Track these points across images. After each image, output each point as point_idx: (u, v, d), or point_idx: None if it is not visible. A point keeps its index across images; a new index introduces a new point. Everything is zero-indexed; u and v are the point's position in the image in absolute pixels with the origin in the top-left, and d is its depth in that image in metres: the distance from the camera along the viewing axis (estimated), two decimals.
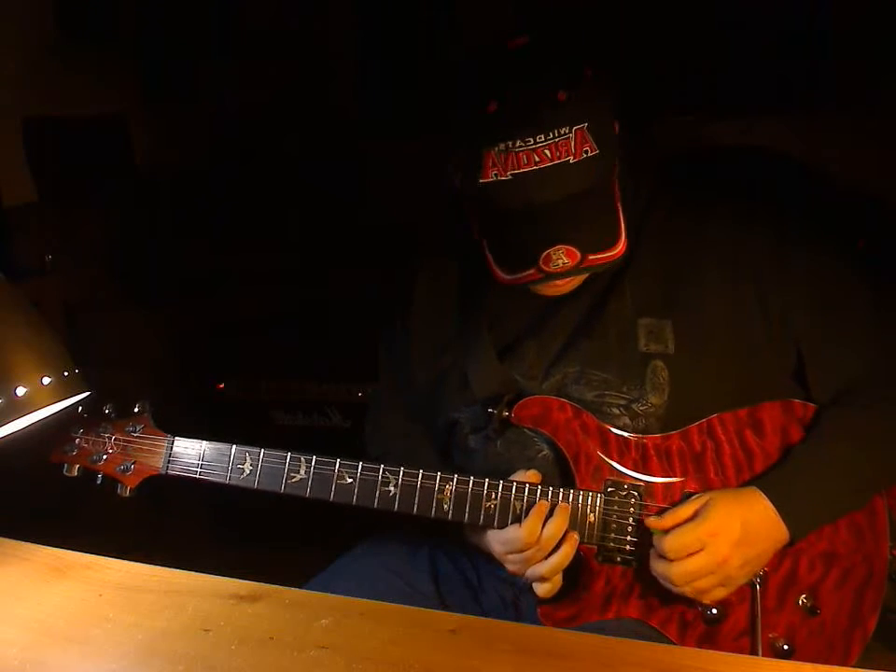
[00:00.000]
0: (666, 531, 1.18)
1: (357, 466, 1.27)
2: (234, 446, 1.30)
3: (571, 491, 1.24)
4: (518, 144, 1.14)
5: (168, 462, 1.32)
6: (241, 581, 1.11)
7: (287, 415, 2.45)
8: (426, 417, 1.45)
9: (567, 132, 1.14)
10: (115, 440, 1.34)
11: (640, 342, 1.26)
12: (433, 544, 1.44)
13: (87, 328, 2.64)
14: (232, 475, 1.30)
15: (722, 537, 1.16)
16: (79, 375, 1.12)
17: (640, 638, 1.02)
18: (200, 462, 1.31)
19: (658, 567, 1.19)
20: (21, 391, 1.05)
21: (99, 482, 1.35)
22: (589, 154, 1.15)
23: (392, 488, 1.26)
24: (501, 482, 1.24)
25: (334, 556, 1.45)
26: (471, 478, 1.25)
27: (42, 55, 2.76)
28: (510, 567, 1.27)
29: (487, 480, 1.25)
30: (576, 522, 1.23)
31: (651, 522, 1.20)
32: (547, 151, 1.14)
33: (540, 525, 1.22)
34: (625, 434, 1.25)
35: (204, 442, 1.32)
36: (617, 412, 1.26)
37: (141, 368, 2.47)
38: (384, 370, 1.54)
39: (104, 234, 2.88)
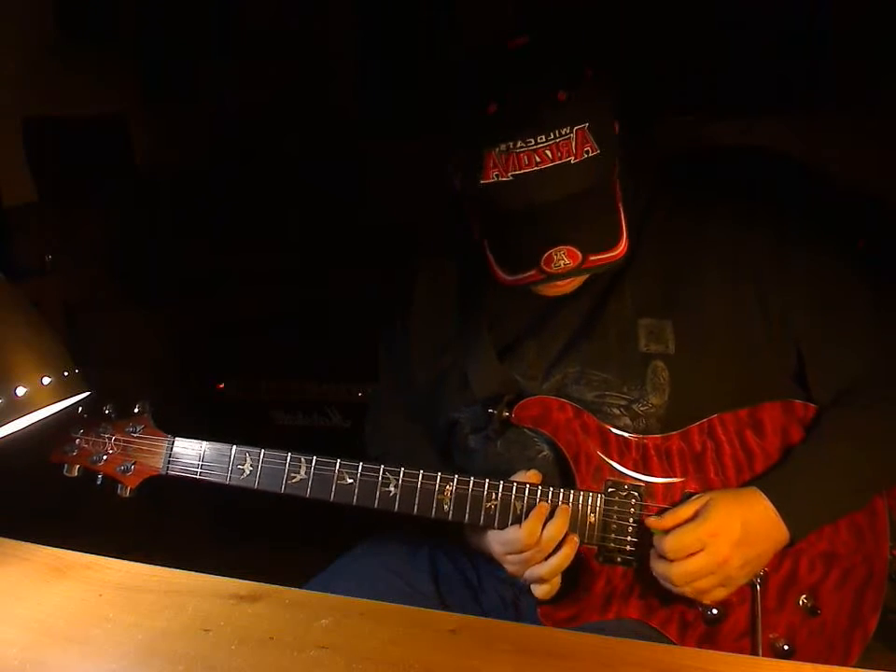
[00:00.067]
0: (667, 531, 1.18)
1: (358, 466, 1.27)
2: (234, 447, 1.30)
3: (572, 491, 1.24)
4: (519, 144, 1.14)
5: (168, 462, 1.32)
6: (241, 580, 1.11)
7: (286, 415, 2.45)
8: (426, 417, 1.45)
9: (567, 132, 1.14)
10: (115, 440, 1.34)
11: (641, 342, 1.26)
12: (433, 544, 1.44)
13: (87, 328, 2.64)
14: (232, 475, 1.30)
15: (723, 537, 1.16)
16: (79, 375, 1.12)
17: (640, 639, 1.02)
18: (200, 462, 1.31)
19: (658, 567, 1.19)
20: (21, 391, 1.05)
21: (99, 482, 1.35)
22: (590, 154, 1.15)
23: (392, 489, 1.26)
24: (502, 482, 1.24)
25: (334, 556, 1.45)
26: (472, 478, 1.25)
27: (42, 55, 2.76)
28: (509, 568, 1.27)
29: (487, 480, 1.25)
30: (576, 522, 1.23)
31: (652, 522, 1.20)
32: (548, 152, 1.14)
33: (540, 527, 1.22)
34: (626, 434, 1.25)
35: (204, 443, 1.32)
36: (617, 412, 1.26)
37: (141, 368, 2.47)
38: (384, 370, 1.54)
39: (104, 234, 2.88)
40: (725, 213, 1.28)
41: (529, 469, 1.27)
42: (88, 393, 1.15)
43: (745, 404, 1.24)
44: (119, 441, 1.34)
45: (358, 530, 1.45)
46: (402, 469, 1.26)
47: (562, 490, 1.24)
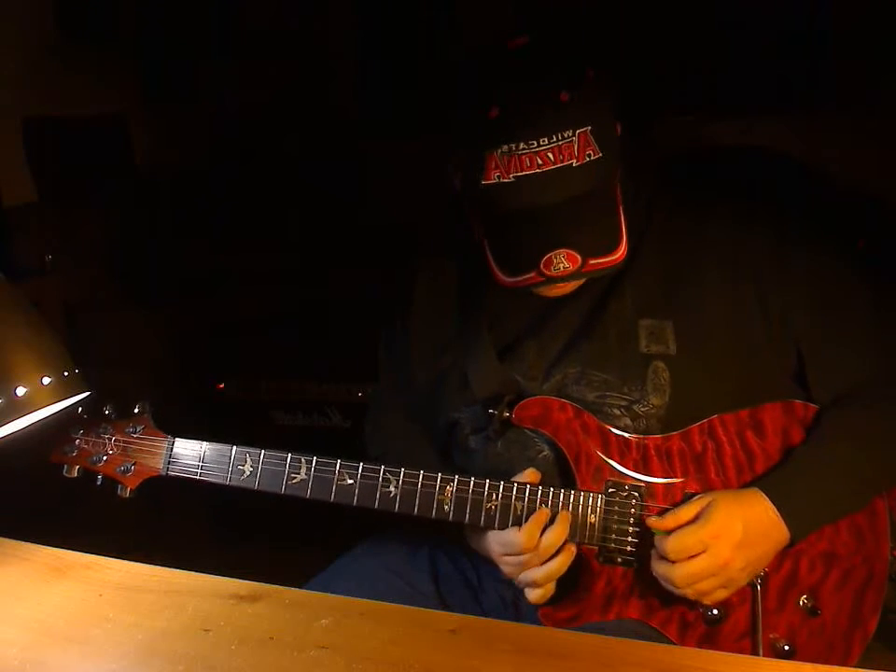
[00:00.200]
0: (668, 532, 1.18)
1: (358, 467, 1.27)
2: (235, 447, 1.30)
3: (572, 492, 1.24)
4: (521, 146, 1.14)
5: (168, 463, 1.32)
6: (241, 580, 1.11)
7: (287, 415, 2.45)
8: (426, 417, 1.45)
9: (570, 134, 1.14)
10: (115, 440, 1.34)
11: (641, 342, 1.26)
12: (433, 544, 1.44)
13: (87, 328, 2.64)
14: (233, 476, 1.30)
15: (724, 539, 1.16)
16: (79, 375, 1.12)
17: (640, 639, 1.02)
18: (200, 463, 1.31)
19: (660, 568, 1.19)
20: (21, 391, 1.04)
21: (99, 482, 1.34)
22: (592, 157, 1.15)
23: (393, 489, 1.26)
24: (502, 483, 1.24)
25: (334, 556, 1.45)
26: (472, 479, 1.25)
27: (42, 55, 2.76)
28: (505, 569, 1.27)
29: (488, 481, 1.24)
30: (577, 523, 1.23)
31: (653, 522, 1.20)
32: (550, 154, 1.14)
33: (539, 531, 1.22)
34: (626, 434, 1.25)
35: (205, 443, 1.31)
36: (618, 412, 1.26)
37: (141, 368, 2.47)
38: (384, 370, 1.54)
39: (104, 234, 2.89)
40: (725, 213, 1.28)
41: (528, 469, 1.27)
42: (88, 393, 1.15)
43: (745, 405, 1.24)
44: (119, 441, 1.34)
45: (358, 530, 1.45)
46: (403, 469, 1.26)
47: (562, 490, 1.24)
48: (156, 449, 1.33)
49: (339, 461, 1.27)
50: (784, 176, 1.42)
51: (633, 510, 1.23)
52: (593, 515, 1.23)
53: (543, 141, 1.14)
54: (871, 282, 1.27)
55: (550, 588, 1.24)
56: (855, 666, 1.18)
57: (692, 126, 2.27)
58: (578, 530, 1.23)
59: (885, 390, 1.23)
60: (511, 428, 1.31)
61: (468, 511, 1.24)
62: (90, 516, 1.77)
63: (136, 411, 1.35)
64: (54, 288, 2.63)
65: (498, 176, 1.16)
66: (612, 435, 1.25)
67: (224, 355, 2.63)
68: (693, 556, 1.16)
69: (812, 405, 1.25)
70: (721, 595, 1.19)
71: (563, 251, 1.17)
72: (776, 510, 1.18)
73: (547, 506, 1.23)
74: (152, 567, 1.15)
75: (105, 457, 1.34)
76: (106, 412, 1.35)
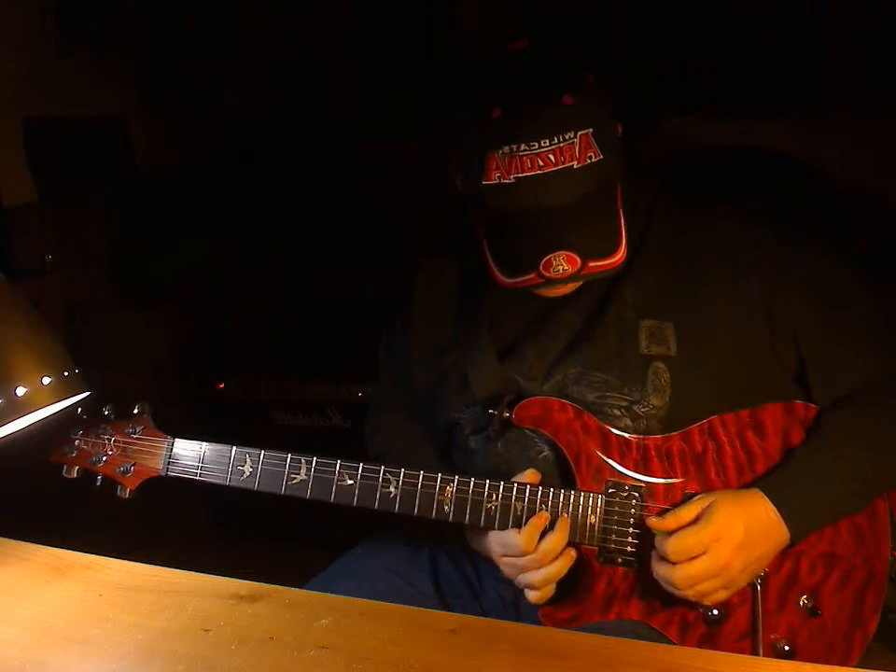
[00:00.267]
0: (669, 533, 1.18)
1: (358, 467, 1.26)
2: (234, 447, 1.30)
3: (572, 492, 1.24)
4: (522, 148, 1.14)
5: (168, 464, 1.32)
6: (241, 580, 1.11)
7: (287, 415, 2.45)
8: (426, 417, 1.45)
9: (571, 136, 1.14)
10: (114, 441, 1.34)
11: (641, 343, 1.26)
12: (433, 544, 1.44)
13: (87, 328, 2.64)
14: (232, 477, 1.29)
15: (725, 540, 1.16)
16: (79, 375, 1.12)
17: (640, 639, 1.02)
18: (200, 464, 1.30)
19: (660, 570, 1.19)
20: (21, 391, 1.04)
21: (99, 483, 1.34)
22: (593, 160, 1.15)
23: (393, 490, 1.26)
24: (502, 483, 1.24)
25: (334, 556, 1.45)
26: (472, 479, 1.25)
27: (42, 55, 2.77)
28: (504, 570, 1.27)
29: (488, 481, 1.24)
30: (577, 523, 1.23)
31: (654, 523, 1.20)
32: (551, 156, 1.14)
33: (538, 535, 1.22)
34: (626, 435, 1.25)
35: (204, 444, 1.31)
36: (618, 413, 1.26)
37: (141, 368, 2.47)
38: (384, 370, 1.54)
39: (104, 234, 2.89)
40: (725, 213, 1.28)
41: (529, 470, 1.27)
42: (88, 393, 1.15)
43: (746, 405, 1.24)
44: (119, 442, 1.34)
45: (358, 530, 1.45)
46: (403, 469, 1.26)
47: (562, 491, 1.24)
48: (155, 450, 1.33)
49: (339, 462, 1.27)
50: (784, 176, 1.42)
51: (633, 510, 1.23)
52: (593, 516, 1.23)
53: (545, 142, 1.14)
54: (871, 282, 1.27)
55: (548, 591, 1.24)
56: (855, 667, 1.18)
57: (692, 126, 2.27)
58: (578, 531, 1.23)
59: (885, 390, 1.23)
60: (512, 429, 1.31)
61: (468, 511, 1.24)
62: (90, 516, 1.77)
63: (136, 411, 1.35)
64: (54, 288, 2.63)
65: (499, 177, 1.16)
66: (612, 435, 1.25)
67: (224, 355, 2.63)
68: (693, 558, 1.16)
69: (812, 405, 1.25)
70: (722, 595, 1.19)
71: (562, 253, 1.17)
72: (776, 510, 1.18)
73: (547, 506, 1.23)
74: (152, 566, 1.15)
75: (104, 458, 1.33)
76: (106, 412, 1.35)
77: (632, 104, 1.27)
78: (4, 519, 1.22)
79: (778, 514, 1.18)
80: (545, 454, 1.30)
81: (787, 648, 1.20)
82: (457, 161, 1.24)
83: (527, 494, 1.24)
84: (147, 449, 1.33)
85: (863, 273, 1.28)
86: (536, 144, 1.14)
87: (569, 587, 1.26)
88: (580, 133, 1.15)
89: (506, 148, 1.15)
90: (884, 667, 1.20)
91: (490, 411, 1.30)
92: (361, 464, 1.26)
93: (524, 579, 1.24)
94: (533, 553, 1.21)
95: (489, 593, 1.40)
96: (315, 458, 1.27)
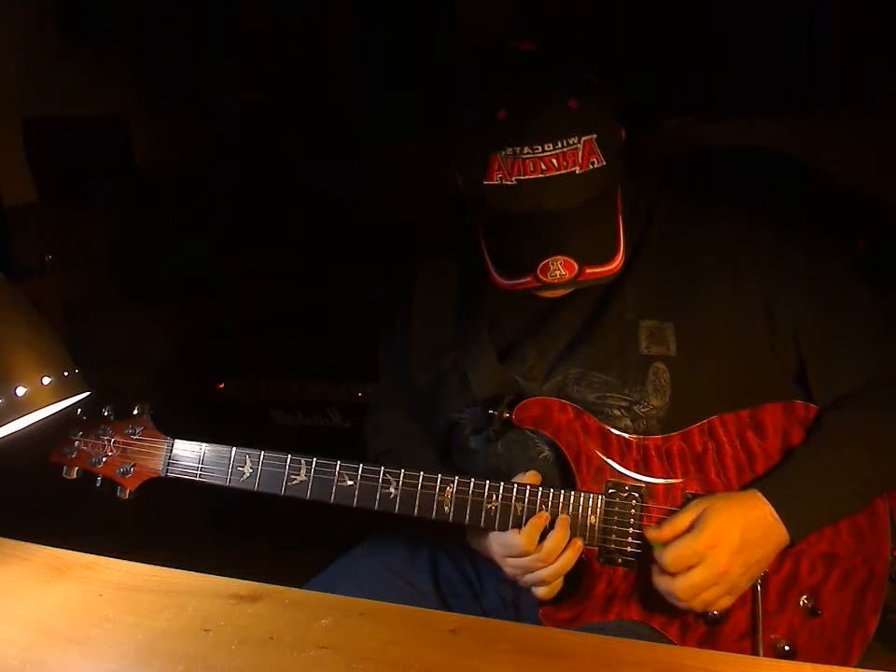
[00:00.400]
0: (666, 543, 1.18)
1: (358, 468, 1.26)
2: (234, 448, 1.30)
3: (573, 493, 1.24)
4: (526, 151, 1.14)
5: (168, 464, 1.32)
6: (241, 580, 1.11)
7: (287, 415, 2.45)
8: (426, 418, 1.45)
9: (575, 141, 1.14)
10: (114, 442, 1.34)
11: (641, 344, 1.26)
12: (433, 544, 1.44)
13: (87, 328, 2.64)
14: (232, 477, 1.29)
15: (721, 547, 1.15)
16: (79, 375, 1.12)
17: (640, 639, 1.02)
18: (200, 465, 1.30)
19: (662, 583, 1.18)
20: (21, 391, 1.04)
21: (99, 484, 1.34)
22: (595, 166, 1.15)
23: (393, 490, 1.26)
24: (502, 483, 1.24)
25: (334, 556, 1.45)
26: (472, 480, 1.25)
27: (42, 55, 2.77)
28: (507, 571, 1.27)
29: (488, 482, 1.24)
30: (577, 523, 1.23)
31: (651, 534, 1.20)
32: (554, 160, 1.14)
33: (539, 535, 1.22)
34: (626, 435, 1.25)
35: (204, 445, 1.31)
36: (618, 413, 1.26)
37: (141, 368, 2.47)
38: (384, 370, 1.54)
39: (104, 234, 2.89)
40: (725, 213, 1.28)
41: (529, 471, 1.27)
42: (88, 393, 1.14)
43: (746, 405, 1.24)
44: (119, 443, 1.33)
45: (358, 530, 1.44)
46: (403, 470, 1.26)
47: (562, 491, 1.24)
48: (155, 450, 1.32)
49: (339, 462, 1.27)
50: (784, 177, 1.42)
51: (633, 510, 1.23)
52: (593, 516, 1.23)
53: (548, 146, 1.14)
54: (871, 282, 1.27)
55: (557, 584, 1.24)
56: (855, 667, 1.18)
57: (692, 126, 2.27)
58: (578, 531, 1.23)
59: (885, 390, 1.23)
60: (512, 429, 1.30)
61: (468, 511, 1.24)
62: (90, 516, 1.77)
63: (135, 412, 1.35)
64: (54, 288, 2.63)
65: (501, 178, 1.16)
66: (613, 436, 1.25)
67: (224, 355, 2.63)
68: (690, 567, 1.16)
69: (812, 406, 1.25)
70: (727, 602, 1.18)
71: (560, 258, 1.17)
72: (775, 511, 1.17)
73: (547, 507, 1.23)
74: (152, 567, 1.15)
75: (104, 459, 1.33)
76: (106, 413, 1.35)
77: (632, 104, 1.26)
78: (4, 519, 1.22)
79: (776, 515, 1.17)
80: (545, 454, 1.30)
81: (787, 648, 1.20)
82: (459, 160, 1.24)
83: (527, 494, 1.24)
84: (146, 450, 1.33)
85: (863, 273, 1.28)
86: (539, 147, 1.14)
87: (570, 587, 1.26)
88: (583, 138, 1.15)
89: (509, 150, 1.15)
90: (884, 667, 1.20)
91: (490, 411, 1.30)
92: (361, 465, 1.26)
93: (531, 578, 1.23)
94: (536, 553, 1.21)
95: (489, 593, 1.40)
96: (314, 459, 1.27)
